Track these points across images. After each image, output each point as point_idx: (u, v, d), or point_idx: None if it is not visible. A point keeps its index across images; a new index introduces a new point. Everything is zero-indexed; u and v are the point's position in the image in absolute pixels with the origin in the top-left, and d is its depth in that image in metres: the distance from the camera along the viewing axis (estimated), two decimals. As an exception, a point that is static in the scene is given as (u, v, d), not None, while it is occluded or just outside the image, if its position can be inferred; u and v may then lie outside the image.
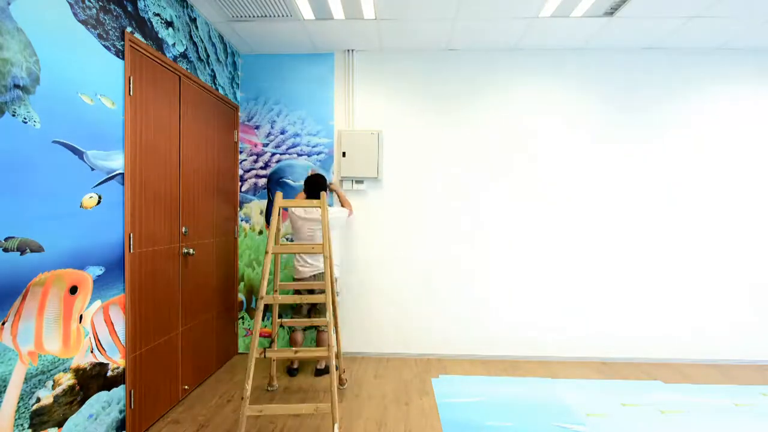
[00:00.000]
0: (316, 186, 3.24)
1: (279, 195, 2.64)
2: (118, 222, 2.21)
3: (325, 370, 3.31)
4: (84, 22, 1.96)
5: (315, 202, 2.65)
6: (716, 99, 3.59)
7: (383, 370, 3.43)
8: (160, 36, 2.56)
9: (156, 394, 2.57)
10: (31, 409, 1.71)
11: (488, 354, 3.70)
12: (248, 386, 2.27)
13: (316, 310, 3.33)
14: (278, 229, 2.58)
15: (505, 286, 3.68)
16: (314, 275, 3.22)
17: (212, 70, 3.25)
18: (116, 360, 2.21)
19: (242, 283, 3.77)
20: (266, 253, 2.49)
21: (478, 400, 2.87)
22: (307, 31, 3.34)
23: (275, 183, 3.76)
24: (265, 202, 3.77)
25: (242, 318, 3.77)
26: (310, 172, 3.53)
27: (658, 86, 3.60)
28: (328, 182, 3.46)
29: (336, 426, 2.24)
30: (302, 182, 3.74)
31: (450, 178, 3.70)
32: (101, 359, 2.11)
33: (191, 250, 2.90)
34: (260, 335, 3.76)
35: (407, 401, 2.88)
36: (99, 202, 2.08)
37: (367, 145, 3.64)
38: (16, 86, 1.62)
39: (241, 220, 3.78)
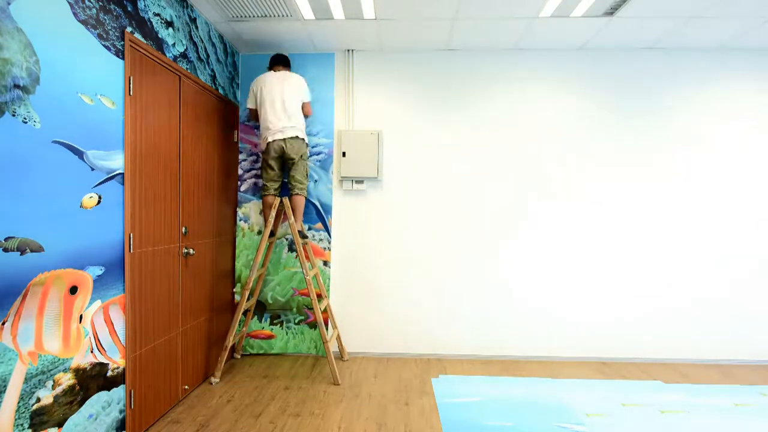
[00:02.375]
0: (280, 58, 3.35)
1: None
2: (118, 222, 2.21)
3: None
4: (84, 22, 1.96)
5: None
6: (717, 99, 3.59)
7: (383, 370, 3.43)
8: (160, 36, 2.56)
9: (156, 394, 2.57)
10: (31, 409, 1.71)
11: (488, 354, 3.70)
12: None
13: (291, 175, 3.37)
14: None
15: (506, 285, 3.68)
16: (282, 140, 3.23)
17: (212, 70, 3.25)
18: (116, 360, 2.21)
19: (239, 284, 3.76)
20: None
21: (478, 400, 2.87)
22: (307, 31, 3.34)
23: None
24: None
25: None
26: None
27: (658, 86, 3.60)
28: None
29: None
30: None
31: (450, 177, 3.70)
32: (101, 359, 2.11)
33: (191, 250, 2.90)
34: (260, 337, 3.76)
35: (407, 401, 2.88)
36: (99, 202, 2.08)
37: (367, 145, 3.64)
38: (16, 86, 1.62)
39: (240, 220, 3.77)
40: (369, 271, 3.74)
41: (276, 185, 3.36)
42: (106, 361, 2.14)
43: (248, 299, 3.44)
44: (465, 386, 3.11)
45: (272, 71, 3.33)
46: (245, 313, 3.64)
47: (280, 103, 3.21)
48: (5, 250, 1.59)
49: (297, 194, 3.35)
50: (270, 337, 3.75)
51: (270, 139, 3.23)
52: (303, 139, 3.31)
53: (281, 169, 3.36)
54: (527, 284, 3.68)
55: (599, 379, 3.26)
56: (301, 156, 3.31)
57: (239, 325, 3.67)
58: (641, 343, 3.63)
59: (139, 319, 2.39)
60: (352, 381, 3.21)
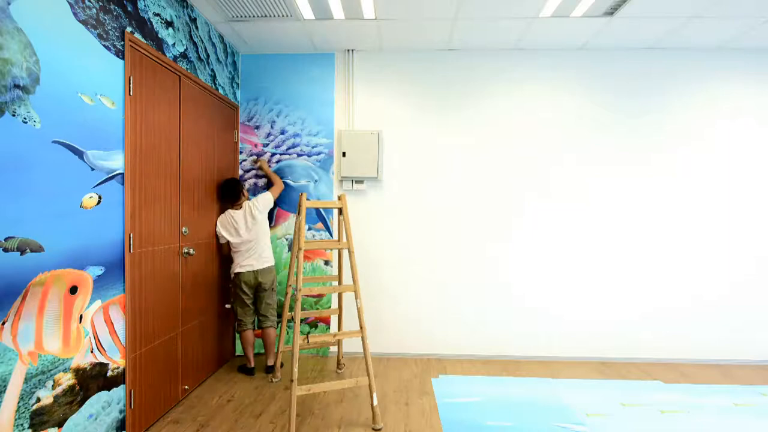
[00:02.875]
0: (232, 190, 3.28)
1: (303, 196, 2.90)
2: (118, 222, 2.21)
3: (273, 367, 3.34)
4: (84, 22, 1.96)
5: (337, 202, 2.84)
6: (717, 99, 3.59)
7: (383, 370, 3.43)
8: (160, 36, 2.56)
9: (156, 394, 2.57)
10: (31, 409, 1.71)
11: (488, 354, 3.70)
12: (296, 369, 2.42)
13: (264, 305, 3.34)
14: (300, 228, 2.84)
15: (506, 286, 3.68)
16: (254, 271, 3.26)
17: (212, 70, 3.25)
18: (116, 360, 2.21)
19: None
20: (299, 249, 2.66)
21: (478, 400, 2.87)
22: (307, 31, 3.34)
23: (275, 183, 3.75)
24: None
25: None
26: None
27: (658, 86, 3.60)
28: (256, 159, 3.74)
29: (374, 395, 2.54)
30: (303, 182, 3.74)
31: (450, 177, 3.70)
32: (101, 359, 2.11)
33: (191, 250, 2.90)
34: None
35: (407, 401, 2.88)
36: (99, 202, 2.08)
37: (367, 145, 3.64)
38: (16, 86, 1.62)
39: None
40: (368, 271, 3.74)
41: (252, 318, 3.35)
42: (106, 361, 2.14)
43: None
44: (465, 386, 3.11)
45: (232, 210, 3.28)
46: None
47: (247, 241, 3.25)
48: (5, 250, 1.59)
49: (269, 326, 3.34)
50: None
51: (239, 271, 3.25)
52: (273, 267, 3.38)
53: (254, 299, 3.34)
54: (527, 284, 3.68)
55: (599, 379, 3.26)
56: (273, 287, 3.36)
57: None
58: (641, 343, 3.63)
59: (139, 319, 2.39)
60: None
